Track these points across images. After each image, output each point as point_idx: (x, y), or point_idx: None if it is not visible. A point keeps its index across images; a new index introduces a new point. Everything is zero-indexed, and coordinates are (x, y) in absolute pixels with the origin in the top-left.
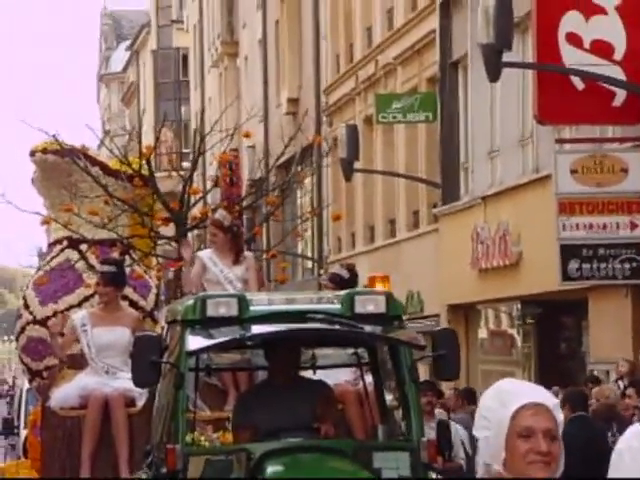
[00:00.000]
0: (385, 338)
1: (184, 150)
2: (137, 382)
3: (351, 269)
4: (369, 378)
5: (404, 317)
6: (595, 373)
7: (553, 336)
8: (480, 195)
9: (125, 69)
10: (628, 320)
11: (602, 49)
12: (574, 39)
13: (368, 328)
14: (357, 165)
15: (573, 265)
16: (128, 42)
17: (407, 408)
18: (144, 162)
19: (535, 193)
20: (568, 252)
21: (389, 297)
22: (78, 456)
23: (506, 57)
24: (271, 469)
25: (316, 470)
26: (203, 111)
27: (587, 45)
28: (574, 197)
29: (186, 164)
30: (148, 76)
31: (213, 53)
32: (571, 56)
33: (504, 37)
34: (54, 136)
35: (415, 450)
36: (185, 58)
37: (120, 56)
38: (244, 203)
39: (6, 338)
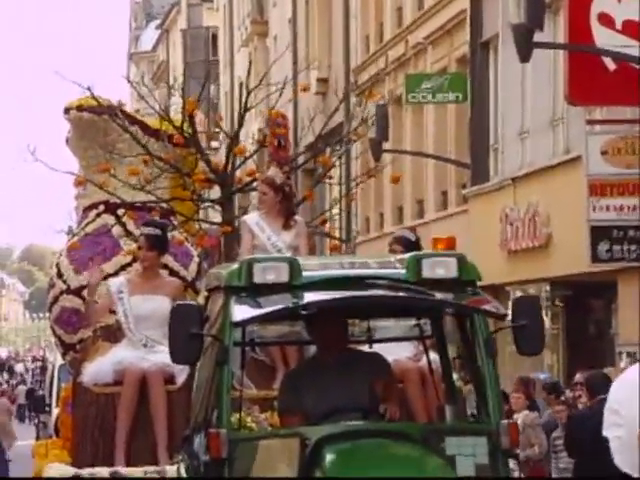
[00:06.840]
0: (460, 306)
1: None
2: (175, 357)
3: (415, 233)
4: (434, 353)
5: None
6: (624, 356)
7: (582, 318)
8: (510, 176)
9: (155, 48)
10: None
11: (634, 29)
12: (606, 19)
13: (439, 295)
14: (386, 145)
15: (603, 247)
16: (158, 21)
17: (483, 387)
18: (187, 118)
19: (565, 174)
20: (598, 234)
21: (461, 260)
22: (112, 437)
23: (537, 37)
24: (330, 457)
25: (383, 458)
26: (250, 67)
27: (619, 25)
28: (605, 179)
29: (215, 144)
30: (178, 55)
31: (243, 32)
32: (602, 36)
33: (535, 17)
34: (89, 89)
35: (494, 435)
36: (215, 37)
37: (150, 35)
38: (296, 164)
39: (35, 315)
